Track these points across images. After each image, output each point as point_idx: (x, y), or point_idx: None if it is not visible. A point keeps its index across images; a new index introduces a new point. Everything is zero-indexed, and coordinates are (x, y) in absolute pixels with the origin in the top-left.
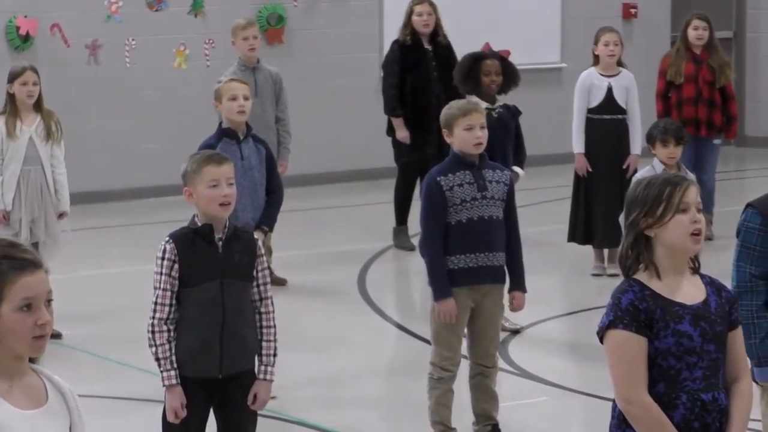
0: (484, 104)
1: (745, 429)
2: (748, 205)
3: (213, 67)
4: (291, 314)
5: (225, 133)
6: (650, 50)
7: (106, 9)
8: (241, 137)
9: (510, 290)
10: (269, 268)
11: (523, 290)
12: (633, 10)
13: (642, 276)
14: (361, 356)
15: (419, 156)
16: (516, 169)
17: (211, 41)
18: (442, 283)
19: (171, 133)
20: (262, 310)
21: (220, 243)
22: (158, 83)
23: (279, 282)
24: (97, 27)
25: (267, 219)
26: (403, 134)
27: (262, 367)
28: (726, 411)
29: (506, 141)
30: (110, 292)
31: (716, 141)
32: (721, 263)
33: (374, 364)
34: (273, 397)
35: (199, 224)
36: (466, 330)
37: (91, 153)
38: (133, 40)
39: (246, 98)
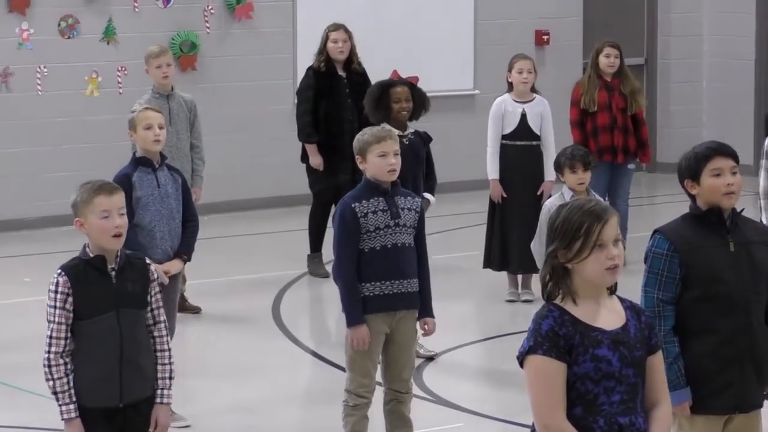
0: (395, 131)
1: None
2: (656, 231)
3: (126, 94)
4: (205, 342)
5: (140, 162)
6: (563, 76)
7: (17, 36)
8: (156, 165)
9: (420, 317)
10: (183, 296)
11: (433, 315)
12: (545, 37)
13: (562, 301)
14: (276, 384)
15: (333, 183)
16: (427, 195)
17: (123, 68)
18: (356, 309)
19: (84, 160)
20: (156, 334)
21: (114, 273)
22: (70, 111)
23: (193, 310)
24: (8, 54)
25: (186, 248)
26: (317, 161)
27: (159, 391)
28: None
29: (417, 167)
30: (22, 320)
31: (630, 166)
32: (633, 288)
33: (289, 391)
34: (188, 426)
35: (91, 255)
36: (381, 356)
37: (3, 181)
38: (45, 67)
39: (161, 127)
